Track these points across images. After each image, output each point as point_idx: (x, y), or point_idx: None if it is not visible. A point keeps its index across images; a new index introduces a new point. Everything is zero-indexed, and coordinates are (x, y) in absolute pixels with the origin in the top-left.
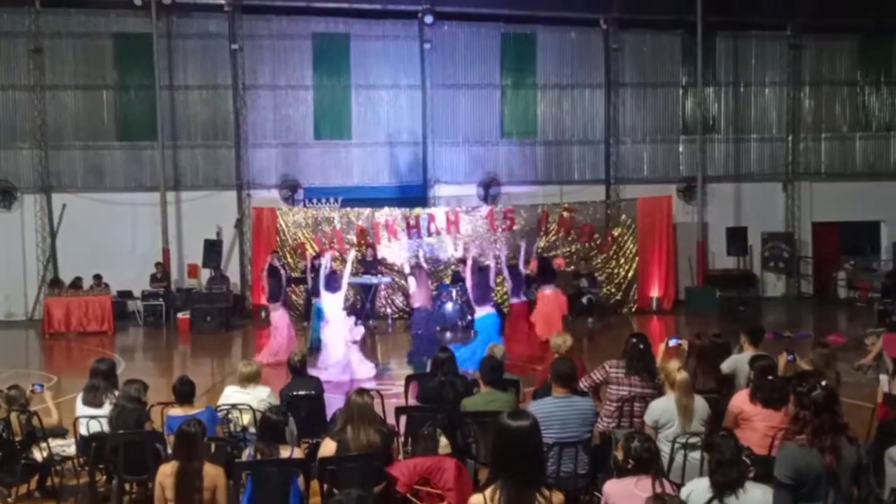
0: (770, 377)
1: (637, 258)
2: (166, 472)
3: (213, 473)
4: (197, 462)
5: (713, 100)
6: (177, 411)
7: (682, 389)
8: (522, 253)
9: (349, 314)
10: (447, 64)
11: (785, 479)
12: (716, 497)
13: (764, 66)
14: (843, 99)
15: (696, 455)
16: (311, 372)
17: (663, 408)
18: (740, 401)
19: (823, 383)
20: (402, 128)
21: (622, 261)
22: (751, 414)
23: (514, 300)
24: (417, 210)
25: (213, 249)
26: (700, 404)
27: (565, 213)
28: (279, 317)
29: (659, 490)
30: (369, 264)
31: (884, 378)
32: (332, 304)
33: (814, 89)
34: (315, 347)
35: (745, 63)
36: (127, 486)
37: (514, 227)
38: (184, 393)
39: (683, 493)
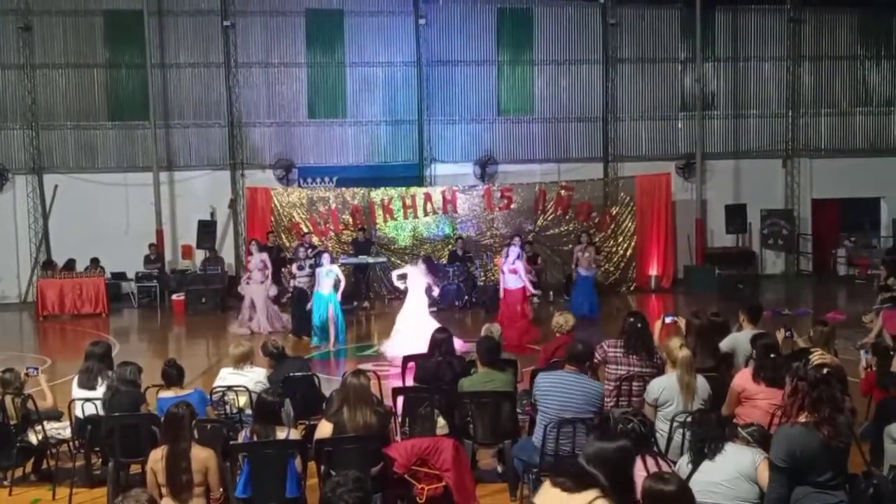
0: (773, 355)
1: (635, 236)
2: (156, 457)
3: (203, 456)
4: (184, 443)
5: (712, 75)
6: (167, 393)
7: (684, 367)
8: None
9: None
10: (443, 40)
11: (780, 462)
12: (692, 460)
13: (763, 41)
14: (844, 74)
15: None
16: None
17: (663, 386)
18: (743, 379)
19: (823, 361)
20: (398, 106)
21: (620, 239)
22: (753, 392)
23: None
24: (414, 189)
25: (207, 230)
26: (701, 384)
27: (563, 192)
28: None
29: (655, 469)
30: (361, 245)
31: (862, 354)
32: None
33: (814, 64)
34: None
35: (745, 38)
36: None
37: (512, 206)
38: (171, 375)
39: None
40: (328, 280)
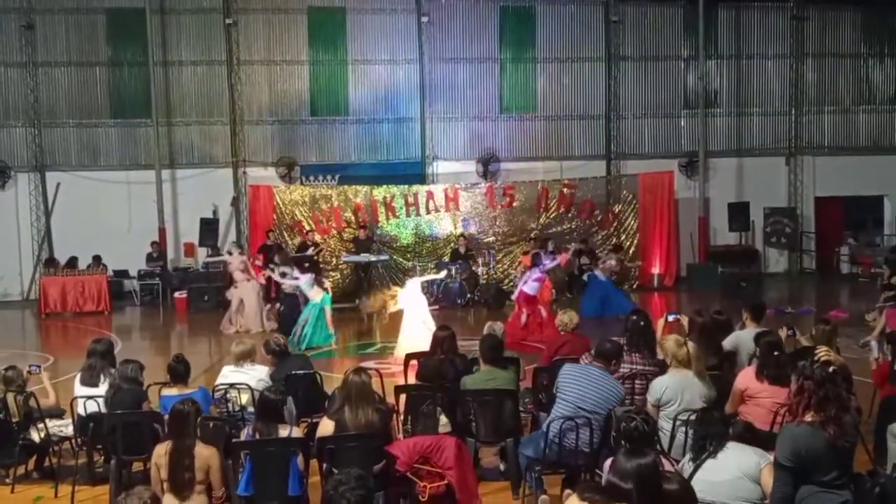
0: (776, 353)
1: (638, 234)
2: (160, 452)
3: (206, 454)
4: (188, 440)
5: (715, 73)
6: (171, 391)
7: (696, 360)
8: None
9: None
10: (445, 38)
11: (785, 461)
12: (693, 458)
13: (766, 39)
14: (847, 72)
15: None
16: None
17: (665, 385)
18: (746, 378)
19: (829, 359)
20: (400, 103)
21: (623, 237)
22: (757, 391)
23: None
24: (416, 187)
25: (209, 228)
26: (706, 381)
27: (565, 190)
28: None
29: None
30: (363, 243)
31: (874, 344)
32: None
33: (817, 62)
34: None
35: (748, 35)
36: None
37: (514, 204)
38: (178, 371)
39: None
40: (313, 290)
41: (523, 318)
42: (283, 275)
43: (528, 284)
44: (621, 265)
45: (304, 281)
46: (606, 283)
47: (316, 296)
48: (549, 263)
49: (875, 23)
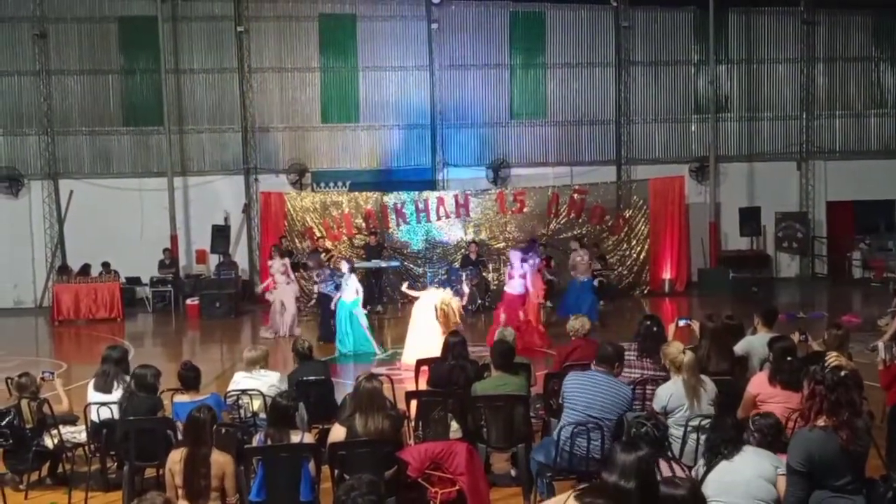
0: (789, 358)
1: (649, 240)
2: (175, 459)
3: (221, 461)
4: (204, 448)
5: (726, 78)
6: (183, 398)
7: (689, 370)
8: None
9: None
10: (455, 44)
11: (798, 466)
12: (708, 461)
13: (777, 43)
14: (858, 76)
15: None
16: None
17: (670, 392)
18: (759, 383)
19: (840, 364)
20: (411, 110)
21: (634, 242)
22: (769, 395)
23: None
24: (426, 193)
25: (221, 235)
26: (709, 385)
27: (576, 195)
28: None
29: (668, 473)
30: (373, 250)
31: (881, 345)
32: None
33: (828, 66)
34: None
35: (758, 40)
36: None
37: (525, 210)
38: (188, 378)
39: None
40: (350, 288)
41: (502, 319)
42: (319, 275)
43: (512, 283)
44: (590, 253)
45: (351, 278)
46: (585, 284)
47: (349, 296)
48: (529, 256)
49: (886, 26)
